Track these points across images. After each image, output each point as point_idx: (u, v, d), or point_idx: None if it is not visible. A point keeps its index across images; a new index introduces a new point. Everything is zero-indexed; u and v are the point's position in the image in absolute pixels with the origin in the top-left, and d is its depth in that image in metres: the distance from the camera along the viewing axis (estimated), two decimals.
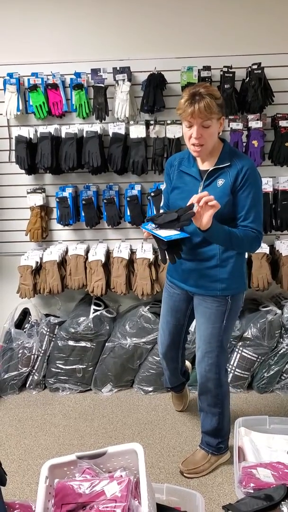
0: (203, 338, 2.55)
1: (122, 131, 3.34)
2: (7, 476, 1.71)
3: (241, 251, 2.47)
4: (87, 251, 3.54)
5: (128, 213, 3.47)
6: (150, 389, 3.48)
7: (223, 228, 2.23)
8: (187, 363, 3.22)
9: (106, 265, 3.48)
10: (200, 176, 2.39)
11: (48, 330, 3.55)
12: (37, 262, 3.50)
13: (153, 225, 2.23)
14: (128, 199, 3.45)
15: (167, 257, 2.23)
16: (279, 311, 3.37)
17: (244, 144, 3.35)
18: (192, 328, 2.95)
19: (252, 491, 1.90)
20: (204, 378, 2.60)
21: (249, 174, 2.30)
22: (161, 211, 2.65)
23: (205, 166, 2.39)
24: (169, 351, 2.85)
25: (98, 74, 3.32)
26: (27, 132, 3.37)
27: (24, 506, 1.64)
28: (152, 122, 3.35)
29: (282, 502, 1.73)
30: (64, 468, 1.69)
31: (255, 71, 3.21)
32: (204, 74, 3.27)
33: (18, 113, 3.36)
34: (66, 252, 3.59)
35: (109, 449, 1.70)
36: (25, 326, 3.64)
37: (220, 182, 2.33)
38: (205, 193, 2.11)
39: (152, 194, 3.39)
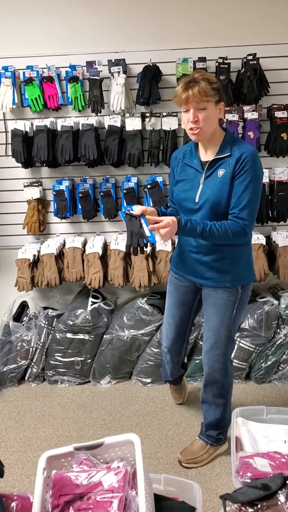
0: (212, 329, 2.52)
1: (118, 124, 3.33)
2: (4, 467, 1.71)
3: (223, 243, 2.39)
4: (85, 244, 3.54)
5: (125, 206, 3.47)
6: (148, 380, 3.50)
7: (193, 230, 2.21)
8: None
9: (104, 258, 3.49)
10: (201, 167, 2.35)
11: (46, 322, 3.56)
12: (34, 255, 3.51)
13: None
14: (124, 191, 3.44)
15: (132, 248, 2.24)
16: (276, 302, 3.38)
17: (240, 135, 3.34)
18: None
19: (249, 481, 1.91)
20: (211, 368, 2.58)
21: (247, 161, 2.23)
22: (169, 203, 2.67)
23: (207, 157, 2.35)
24: (175, 344, 2.83)
25: (93, 67, 3.31)
26: (23, 125, 3.36)
27: (22, 497, 1.64)
28: (147, 114, 3.34)
29: (279, 491, 1.73)
30: (61, 459, 1.70)
31: (250, 62, 3.20)
32: (200, 65, 3.26)
33: (14, 106, 3.35)
34: (64, 245, 3.59)
35: (106, 440, 1.70)
36: (24, 319, 3.65)
37: (220, 172, 2.29)
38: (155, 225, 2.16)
39: (149, 186, 3.39)
